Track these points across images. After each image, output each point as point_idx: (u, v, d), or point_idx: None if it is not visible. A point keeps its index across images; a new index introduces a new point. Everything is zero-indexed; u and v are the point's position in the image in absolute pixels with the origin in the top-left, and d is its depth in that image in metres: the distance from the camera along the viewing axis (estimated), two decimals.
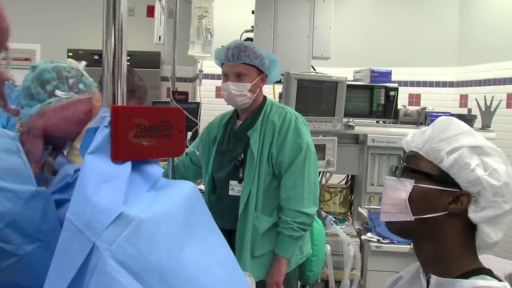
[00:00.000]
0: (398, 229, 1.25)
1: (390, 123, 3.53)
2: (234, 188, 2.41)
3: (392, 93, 3.51)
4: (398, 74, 4.19)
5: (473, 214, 1.15)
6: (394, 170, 1.28)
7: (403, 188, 1.21)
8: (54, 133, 0.96)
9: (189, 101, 4.88)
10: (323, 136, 3.19)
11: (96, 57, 5.68)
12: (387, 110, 3.51)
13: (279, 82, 2.86)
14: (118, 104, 0.76)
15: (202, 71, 4.57)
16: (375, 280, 3.03)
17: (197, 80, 4.77)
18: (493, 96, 3.51)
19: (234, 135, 2.50)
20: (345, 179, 3.73)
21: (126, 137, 0.72)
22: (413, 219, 1.19)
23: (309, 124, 2.58)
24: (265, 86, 2.56)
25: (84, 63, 1.52)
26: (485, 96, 3.56)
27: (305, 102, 3.07)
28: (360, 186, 3.50)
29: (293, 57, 3.42)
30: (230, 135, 2.51)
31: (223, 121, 2.60)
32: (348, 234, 3.12)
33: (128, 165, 0.72)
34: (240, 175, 2.40)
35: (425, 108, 3.57)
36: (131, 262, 0.65)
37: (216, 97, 5.45)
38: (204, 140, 2.64)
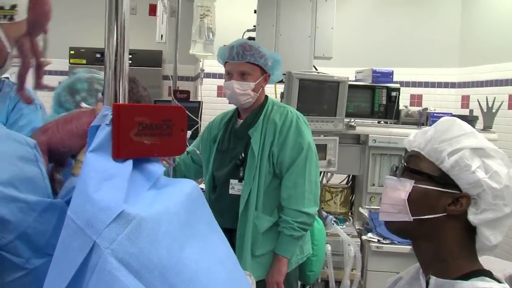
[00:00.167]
0: (397, 229, 1.25)
1: (391, 123, 3.53)
2: (234, 187, 2.41)
3: (393, 93, 3.51)
4: (400, 74, 4.19)
5: (473, 217, 1.15)
6: (395, 169, 1.28)
7: (402, 188, 1.21)
8: (58, 147, 0.93)
9: (190, 100, 4.88)
10: (324, 136, 3.19)
11: (98, 55, 5.68)
12: (389, 111, 3.51)
13: (280, 81, 2.86)
14: (120, 102, 0.76)
15: (204, 70, 4.57)
16: (376, 281, 3.03)
17: (199, 79, 4.76)
18: (495, 97, 3.51)
19: (235, 134, 2.50)
20: (346, 179, 3.73)
21: (128, 136, 0.72)
22: (411, 220, 1.19)
23: (310, 123, 2.58)
24: (267, 85, 2.56)
25: None
26: (487, 97, 3.56)
27: (307, 101, 3.07)
28: (361, 186, 3.50)
29: (295, 56, 3.42)
30: (231, 134, 2.51)
31: (224, 120, 2.60)
32: (348, 234, 3.12)
33: (129, 163, 0.72)
34: (241, 174, 2.40)
35: (426, 108, 3.57)
36: (131, 261, 0.65)
37: (217, 96, 5.45)
38: (205, 139, 2.64)
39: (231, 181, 2.43)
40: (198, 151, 2.64)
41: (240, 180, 2.41)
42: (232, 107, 2.61)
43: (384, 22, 5.38)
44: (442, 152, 1.17)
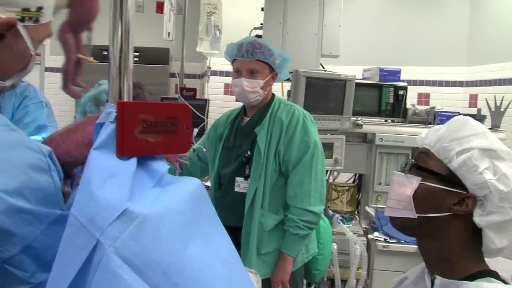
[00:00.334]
0: (401, 225, 1.25)
1: (398, 122, 3.51)
2: (240, 184, 2.41)
3: (401, 92, 3.49)
4: (408, 73, 4.17)
5: (478, 218, 1.13)
6: (404, 166, 1.27)
7: (409, 185, 1.20)
8: (64, 158, 0.90)
9: (197, 97, 4.88)
10: (331, 134, 3.18)
11: (105, 52, 5.67)
12: (396, 109, 3.50)
13: (287, 80, 2.86)
14: (124, 99, 0.76)
15: (210, 68, 4.57)
16: (382, 280, 3.02)
17: (205, 76, 4.77)
18: (503, 96, 3.49)
19: (241, 131, 2.50)
20: (353, 178, 3.72)
21: (132, 133, 0.72)
22: (416, 217, 1.18)
23: (317, 122, 2.58)
24: (273, 83, 2.55)
25: None
26: (495, 96, 3.53)
27: (314, 100, 3.06)
28: (367, 185, 3.48)
29: (302, 54, 3.41)
30: (237, 131, 2.51)
31: (230, 118, 2.60)
32: (355, 233, 3.11)
33: (133, 161, 0.72)
34: (246, 172, 2.40)
35: (434, 107, 3.55)
36: (134, 259, 0.65)
37: (224, 94, 5.45)
38: (211, 136, 2.64)
39: (237, 178, 2.43)
40: (204, 149, 2.64)
41: (246, 178, 2.40)
42: (239, 105, 2.61)
43: (392, 20, 5.35)
44: (450, 151, 1.16)
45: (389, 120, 3.55)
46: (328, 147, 3.05)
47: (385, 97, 3.48)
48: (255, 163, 2.37)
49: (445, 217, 1.16)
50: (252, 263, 2.32)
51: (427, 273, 1.24)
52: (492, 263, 1.19)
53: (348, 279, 3.05)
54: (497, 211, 1.12)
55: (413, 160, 1.25)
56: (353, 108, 3.25)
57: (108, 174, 0.69)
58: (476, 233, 1.16)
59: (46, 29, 1.02)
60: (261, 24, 3.53)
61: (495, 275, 1.13)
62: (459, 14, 5.17)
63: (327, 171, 3.10)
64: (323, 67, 3.49)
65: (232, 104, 2.73)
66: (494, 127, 3.41)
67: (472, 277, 1.13)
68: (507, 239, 1.16)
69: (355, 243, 3.04)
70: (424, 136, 1.27)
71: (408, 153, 3.32)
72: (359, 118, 3.35)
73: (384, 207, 1.31)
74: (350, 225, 3.31)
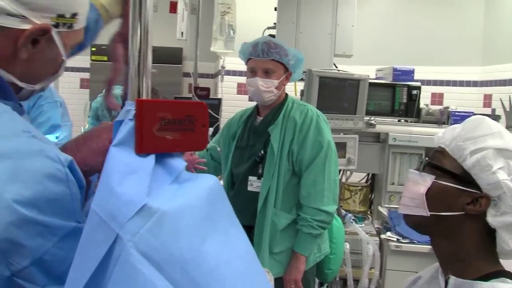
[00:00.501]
0: (414, 223, 1.25)
1: (412, 122, 3.50)
2: (253, 183, 2.42)
3: (414, 91, 3.48)
4: (421, 72, 4.14)
5: (492, 218, 1.13)
6: (419, 164, 1.27)
7: (422, 183, 1.20)
8: (80, 167, 0.88)
9: (210, 97, 4.91)
10: (344, 134, 3.18)
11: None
12: (409, 109, 3.48)
13: (301, 79, 2.86)
14: (143, 98, 0.77)
15: (224, 67, 4.59)
16: (394, 280, 3.02)
17: (219, 76, 4.78)
18: None
19: (254, 130, 2.51)
20: (366, 178, 3.71)
21: (150, 131, 0.73)
22: (428, 215, 1.19)
23: (330, 121, 2.58)
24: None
25: None
26: (510, 96, 3.50)
27: (327, 99, 3.06)
28: (380, 185, 3.47)
29: (315, 54, 3.41)
30: (250, 130, 2.52)
31: (243, 117, 2.61)
32: (367, 233, 3.11)
33: (151, 158, 0.73)
34: (260, 171, 2.41)
35: (448, 107, 3.53)
36: (153, 253, 0.66)
37: (237, 94, 5.47)
38: (224, 135, 2.65)
39: (250, 178, 2.44)
40: (218, 148, 2.65)
41: (259, 177, 2.41)
42: (252, 104, 2.62)
43: (406, 19, 5.33)
44: (464, 149, 1.15)
45: (403, 120, 3.54)
46: (341, 147, 3.05)
47: (398, 97, 3.47)
48: (268, 162, 2.38)
49: (457, 216, 1.16)
50: (265, 262, 2.33)
51: (441, 272, 1.24)
52: (506, 263, 1.19)
53: (360, 279, 3.05)
54: (511, 211, 1.12)
55: (427, 159, 1.25)
56: (366, 107, 3.24)
57: (127, 171, 0.70)
58: (490, 233, 1.15)
59: (79, 35, 1.03)
60: (275, 23, 3.53)
61: (510, 275, 1.13)
62: (473, 13, 5.14)
63: (340, 170, 3.10)
64: (336, 67, 3.49)
65: (245, 103, 2.75)
66: (509, 127, 3.38)
67: (486, 278, 1.12)
68: None
69: (368, 243, 3.03)
70: (441, 135, 1.27)
71: (421, 153, 3.31)
72: (372, 118, 3.35)
73: (397, 207, 1.31)
74: (363, 225, 3.31)
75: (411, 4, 5.36)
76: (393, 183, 3.39)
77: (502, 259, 1.19)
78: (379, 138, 3.47)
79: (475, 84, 5.11)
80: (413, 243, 2.99)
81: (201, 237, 0.70)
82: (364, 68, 3.95)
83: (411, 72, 3.54)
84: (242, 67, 2.56)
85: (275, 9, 3.53)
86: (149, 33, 0.78)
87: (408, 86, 3.49)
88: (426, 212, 1.19)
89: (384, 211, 3.36)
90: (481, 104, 4.95)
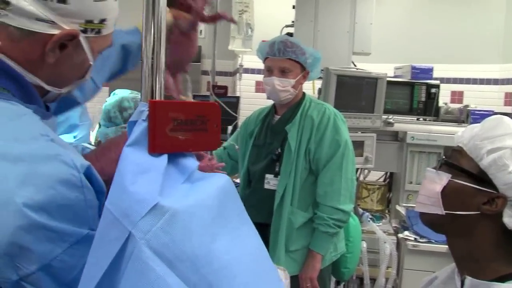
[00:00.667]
0: (429, 221, 1.25)
1: (430, 120, 3.47)
2: (270, 181, 2.43)
3: (433, 90, 3.45)
4: (440, 70, 4.10)
5: (508, 219, 1.12)
6: (437, 162, 1.27)
7: (439, 181, 1.20)
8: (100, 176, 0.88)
9: (228, 95, 4.92)
10: (362, 132, 3.17)
11: None
12: (428, 108, 3.45)
13: (319, 78, 2.86)
14: (156, 98, 0.78)
15: (243, 66, 4.59)
16: (411, 279, 3.00)
17: (237, 74, 4.80)
18: None
19: (272, 129, 2.51)
20: (384, 177, 3.69)
21: (163, 131, 0.74)
22: (443, 213, 1.18)
23: (347, 120, 2.57)
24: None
25: None
26: None
27: (344, 98, 3.05)
28: (398, 184, 3.45)
29: (334, 52, 3.40)
30: (268, 129, 2.53)
31: (261, 116, 2.62)
32: (384, 232, 3.10)
33: (164, 157, 0.74)
34: (276, 169, 2.41)
35: (467, 106, 3.49)
36: (165, 251, 0.67)
37: (255, 92, 5.47)
38: (242, 134, 2.67)
39: (267, 175, 2.45)
40: (236, 146, 2.66)
41: (276, 175, 2.42)
42: (270, 102, 2.63)
43: (424, 17, 5.27)
44: (481, 149, 1.15)
45: (421, 119, 3.51)
46: (359, 145, 3.04)
47: (417, 95, 3.45)
48: (285, 160, 2.39)
49: (473, 216, 1.15)
50: (281, 260, 2.34)
51: (457, 273, 1.23)
52: None
53: (377, 278, 3.04)
54: None
55: (444, 157, 1.25)
56: (385, 106, 3.23)
57: (140, 170, 0.71)
58: (507, 234, 1.14)
59: (107, 40, 1.03)
60: (293, 22, 3.53)
61: None
62: (494, 10, 5.06)
63: (357, 169, 3.09)
64: (355, 65, 3.48)
65: (263, 101, 2.75)
66: None
67: (502, 279, 1.12)
68: None
69: (385, 242, 3.02)
70: (460, 134, 1.26)
71: (440, 152, 3.28)
72: (390, 117, 3.32)
73: (415, 206, 1.31)
74: (380, 223, 3.30)
75: (429, 2, 5.30)
76: (411, 182, 3.36)
77: None
78: (397, 137, 3.44)
79: (495, 82, 5.03)
80: (431, 242, 2.97)
81: (212, 235, 0.71)
82: (383, 66, 3.92)
83: (430, 70, 3.50)
84: (260, 65, 2.57)
85: (293, 7, 3.53)
86: (163, 32, 0.78)
87: (427, 84, 3.46)
88: (441, 211, 1.18)
89: (401, 210, 3.34)
90: (502, 103, 4.88)
